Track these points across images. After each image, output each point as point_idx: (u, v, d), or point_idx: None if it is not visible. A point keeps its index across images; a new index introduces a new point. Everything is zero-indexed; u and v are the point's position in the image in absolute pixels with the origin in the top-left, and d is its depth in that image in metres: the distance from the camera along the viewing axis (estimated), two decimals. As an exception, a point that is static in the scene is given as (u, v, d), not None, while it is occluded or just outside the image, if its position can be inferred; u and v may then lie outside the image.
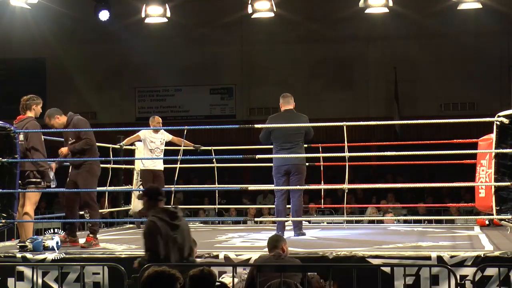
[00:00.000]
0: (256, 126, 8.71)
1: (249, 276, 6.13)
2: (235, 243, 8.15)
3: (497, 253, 6.59)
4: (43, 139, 7.82)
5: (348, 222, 10.75)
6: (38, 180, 7.64)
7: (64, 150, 7.97)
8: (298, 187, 8.57)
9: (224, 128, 16.58)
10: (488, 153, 8.34)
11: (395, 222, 11.44)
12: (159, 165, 10.33)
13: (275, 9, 13.33)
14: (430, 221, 10.89)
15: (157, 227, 6.03)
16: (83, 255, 7.07)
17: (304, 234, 8.71)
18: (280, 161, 8.56)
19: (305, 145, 9.32)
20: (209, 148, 10.97)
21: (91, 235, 7.92)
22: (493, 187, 7.44)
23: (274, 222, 9.55)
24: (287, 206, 8.86)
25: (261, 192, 16.20)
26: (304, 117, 8.72)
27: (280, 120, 8.57)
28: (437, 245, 7.49)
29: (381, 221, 11.36)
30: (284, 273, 5.81)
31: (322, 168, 10.44)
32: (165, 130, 10.53)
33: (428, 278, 6.16)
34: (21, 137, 7.67)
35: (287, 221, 8.84)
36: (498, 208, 7.37)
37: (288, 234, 8.46)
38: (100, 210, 11.08)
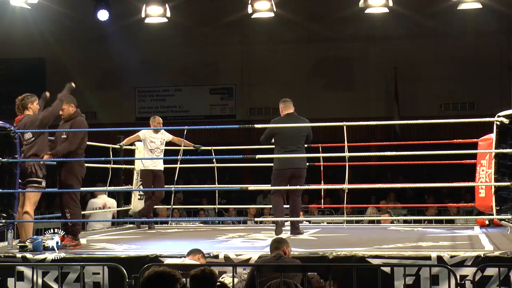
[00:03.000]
0: (256, 126, 8.71)
1: (249, 276, 6.13)
2: (235, 243, 8.14)
3: (497, 253, 6.58)
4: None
5: (348, 222, 10.75)
6: (39, 179, 7.62)
7: (46, 156, 7.65)
8: (297, 187, 8.59)
9: (224, 128, 16.58)
10: (488, 153, 8.33)
11: (394, 222, 11.43)
12: (159, 165, 10.33)
13: (275, 9, 13.32)
14: (430, 221, 10.88)
15: None
16: (83, 255, 7.04)
17: (301, 233, 8.73)
18: (284, 165, 8.58)
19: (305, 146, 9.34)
20: (209, 148, 10.98)
21: (69, 236, 7.67)
22: (493, 187, 7.44)
23: (274, 222, 9.55)
24: (286, 206, 8.87)
25: (261, 192, 16.19)
26: (306, 120, 8.79)
27: (284, 124, 8.59)
28: (437, 245, 7.47)
29: (381, 221, 11.36)
30: (285, 274, 5.81)
31: (322, 168, 10.43)
32: (165, 130, 10.54)
33: (428, 278, 6.15)
34: (28, 135, 7.62)
35: (286, 221, 8.86)
36: (498, 208, 7.38)
37: (286, 234, 8.45)
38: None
